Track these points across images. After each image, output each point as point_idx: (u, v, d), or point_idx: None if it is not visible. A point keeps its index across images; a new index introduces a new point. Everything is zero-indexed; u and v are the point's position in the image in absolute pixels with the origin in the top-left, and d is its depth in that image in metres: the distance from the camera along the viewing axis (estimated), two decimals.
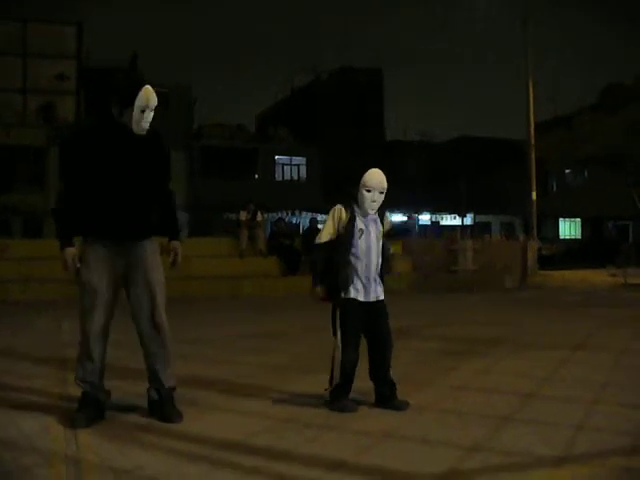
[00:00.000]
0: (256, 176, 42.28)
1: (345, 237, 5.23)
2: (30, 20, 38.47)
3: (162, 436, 4.42)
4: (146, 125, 4.76)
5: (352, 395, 5.32)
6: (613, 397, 5.57)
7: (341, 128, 52.10)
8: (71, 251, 4.71)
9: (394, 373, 5.29)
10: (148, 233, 4.88)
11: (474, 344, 8.46)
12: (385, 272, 5.38)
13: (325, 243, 5.31)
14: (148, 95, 4.69)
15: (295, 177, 44.06)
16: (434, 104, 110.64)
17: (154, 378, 4.90)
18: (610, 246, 34.59)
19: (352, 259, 5.21)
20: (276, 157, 43.31)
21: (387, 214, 5.47)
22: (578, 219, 49.95)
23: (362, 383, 5.33)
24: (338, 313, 5.23)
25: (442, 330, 9.74)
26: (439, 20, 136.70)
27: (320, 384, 5.93)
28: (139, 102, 4.64)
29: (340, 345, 5.20)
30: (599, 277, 22.11)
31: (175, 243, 5.03)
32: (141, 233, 4.84)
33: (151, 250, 4.88)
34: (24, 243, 18.53)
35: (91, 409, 4.70)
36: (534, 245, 21.41)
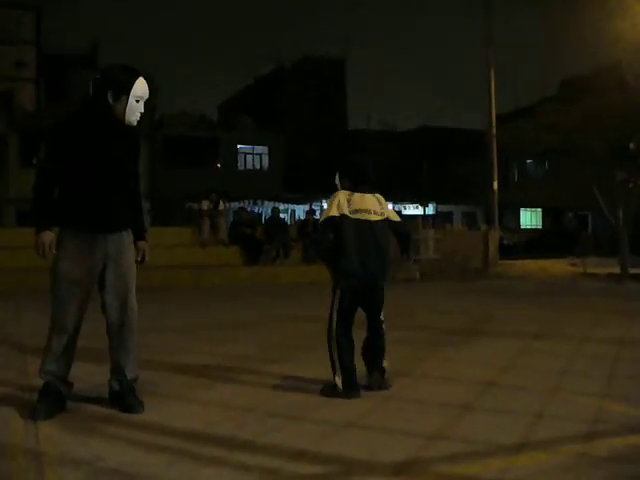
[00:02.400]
0: (218, 165, 42.12)
1: None
2: None
3: (123, 427, 4.40)
4: (138, 116, 4.78)
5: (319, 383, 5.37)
6: (572, 385, 5.65)
7: (304, 117, 52.14)
8: (48, 235, 4.61)
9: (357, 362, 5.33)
10: (126, 225, 4.89)
11: (436, 333, 8.53)
12: None
13: None
14: (143, 86, 4.74)
15: (257, 166, 43.96)
16: (397, 94, 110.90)
17: (117, 369, 4.88)
18: (570, 236, 34.95)
19: None
20: (238, 146, 43.18)
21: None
22: (539, 209, 50.40)
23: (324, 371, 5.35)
24: None
25: (404, 320, 9.78)
26: (404, 9, 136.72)
27: (281, 373, 5.96)
28: (135, 91, 4.67)
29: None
30: (559, 267, 22.35)
31: (142, 243, 5.06)
32: (119, 225, 4.83)
33: (128, 242, 4.90)
34: None
35: (52, 400, 4.66)
36: (495, 235, 21.60)
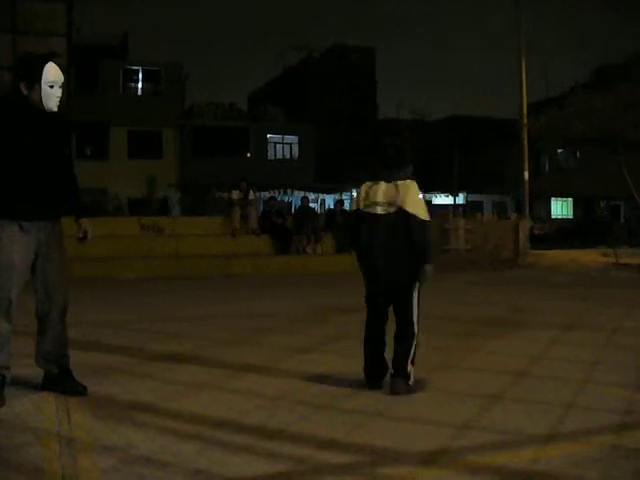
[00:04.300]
0: (248, 155, 42.17)
1: None
2: None
3: (154, 415, 4.44)
4: (56, 101, 4.79)
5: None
6: (603, 376, 5.61)
7: (334, 107, 52.03)
8: None
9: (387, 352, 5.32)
10: (61, 212, 4.93)
11: (466, 323, 8.50)
12: None
13: None
14: (54, 70, 4.75)
15: (287, 156, 43.97)
16: (427, 83, 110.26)
17: (62, 354, 4.94)
18: (602, 226, 34.65)
19: None
20: (268, 136, 43.21)
21: None
22: (570, 199, 49.98)
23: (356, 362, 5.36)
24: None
25: (433, 309, 9.75)
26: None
27: (312, 363, 5.96)
28: (46, 77, 4.69)
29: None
30: (591, 257, 22.11)
31: (84, 220, 5.04)
32: (56, 212, 4.87)
33: (61, 230, 4.94)
34: None
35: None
36: (526, 224, 21.43)
